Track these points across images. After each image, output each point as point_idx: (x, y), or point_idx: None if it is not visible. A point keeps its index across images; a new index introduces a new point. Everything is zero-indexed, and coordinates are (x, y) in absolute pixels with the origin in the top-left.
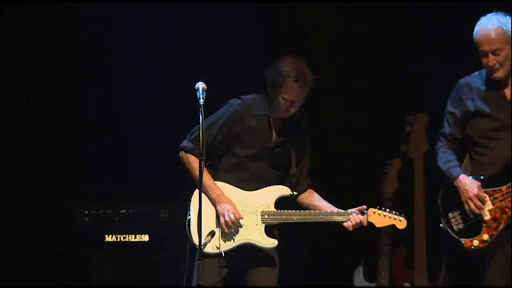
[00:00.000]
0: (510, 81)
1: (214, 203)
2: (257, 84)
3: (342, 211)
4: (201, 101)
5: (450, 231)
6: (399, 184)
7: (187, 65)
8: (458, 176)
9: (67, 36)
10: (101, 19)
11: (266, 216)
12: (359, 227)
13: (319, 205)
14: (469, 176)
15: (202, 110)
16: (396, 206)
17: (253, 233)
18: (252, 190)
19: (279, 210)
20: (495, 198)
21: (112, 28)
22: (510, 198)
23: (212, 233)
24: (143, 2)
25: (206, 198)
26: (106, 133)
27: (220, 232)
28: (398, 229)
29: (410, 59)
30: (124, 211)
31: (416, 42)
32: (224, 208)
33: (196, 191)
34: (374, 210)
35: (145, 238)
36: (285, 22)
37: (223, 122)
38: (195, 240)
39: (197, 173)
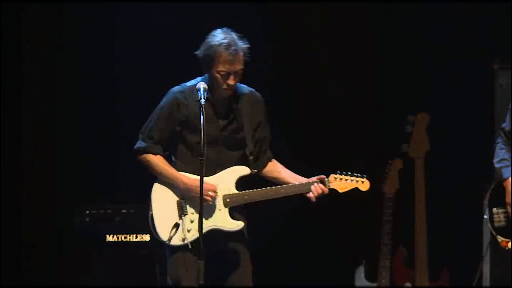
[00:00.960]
0: None
1: (182, 192)
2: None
3: (304, 182)
4: (202, 101)
5: (490, 225)
6: (399, 184)
7: (187, 65)
8: (507, 178)
9: (66, 37)
10: (101, 20)
11: (228, 200)
12: (321, 196)
13: (283, 177)
14: None
15: (203, 109)
16: (397, 206)
17: (218, 218)
18: (211, 175)
19: (241, 191)
20: None
21: (113, 32)
22: None
23: (176, 226)
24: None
25: (167, 192)
26: (106, 132)
27: (185, 223)
28: (361, 191)
29: (411, 59)
30: (125, 210)
31: (418, 41)
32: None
33: (155, 186)
34: (335, 176)
35: (146, 238)
36: (285, 20)
37: (166, 112)
38: (162, 235)
39: (159, 167)
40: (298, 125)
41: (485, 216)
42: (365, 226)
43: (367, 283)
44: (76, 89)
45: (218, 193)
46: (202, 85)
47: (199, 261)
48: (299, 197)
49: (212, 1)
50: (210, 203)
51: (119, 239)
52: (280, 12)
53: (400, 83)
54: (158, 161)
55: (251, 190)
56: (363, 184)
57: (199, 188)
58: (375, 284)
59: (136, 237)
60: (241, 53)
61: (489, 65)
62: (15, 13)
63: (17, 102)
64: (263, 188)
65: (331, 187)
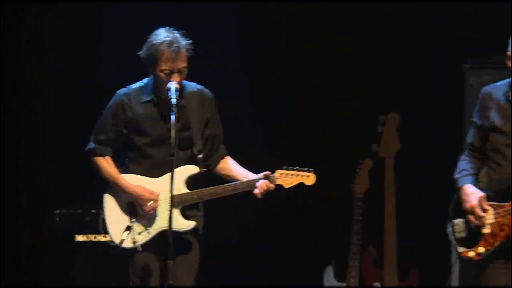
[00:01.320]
0: None
1: (125, 196)
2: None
3: (251, 178)
4: (173, 100)
5: (452, 237)
6: (369, 183)
7: None
8: (462, 185)
9: (55, 39)
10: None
11: (178, 200)
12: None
13: (234, 175)
14: (484, 188)
15: (175, 109)
16: (367, 206)
17: (168, 219)
18: (160, 176)
19: (190, 191)
20: (498, 214)
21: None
22: (510, 216)
23: (129, 228)
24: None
25: (118, 194)
26: (76, 132)
27: (136, 226)
28: (307, 186)
29: (382, 59)
30: (94, 210)
31: (389, 41)
32: (136, 195)
33: (108, 188)
34: (281, 171)
35: (109, 238)
36: (259, 19)
37: (111, 114)
38: (114, 238)
39: (105, 170)
40: (269, 124)
41: (448, 229)
42: (334, 225)
43: (336, 283)
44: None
45: (168, 194)
46: (173, 85)
47: (168, 261)
48: (270, 195)
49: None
50: (151, 212)
51: (89, 239)
52: (255, 10)
53: (370, 83)
54: (104, 163)
55: (200, 189)
56: (309, 178)
57: (139, 196)
58: (344, 284)
59: (106, 237)
60: (184, 51)
61: (460, 65)
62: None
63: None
64: (212, 187)
65: (277, 182)
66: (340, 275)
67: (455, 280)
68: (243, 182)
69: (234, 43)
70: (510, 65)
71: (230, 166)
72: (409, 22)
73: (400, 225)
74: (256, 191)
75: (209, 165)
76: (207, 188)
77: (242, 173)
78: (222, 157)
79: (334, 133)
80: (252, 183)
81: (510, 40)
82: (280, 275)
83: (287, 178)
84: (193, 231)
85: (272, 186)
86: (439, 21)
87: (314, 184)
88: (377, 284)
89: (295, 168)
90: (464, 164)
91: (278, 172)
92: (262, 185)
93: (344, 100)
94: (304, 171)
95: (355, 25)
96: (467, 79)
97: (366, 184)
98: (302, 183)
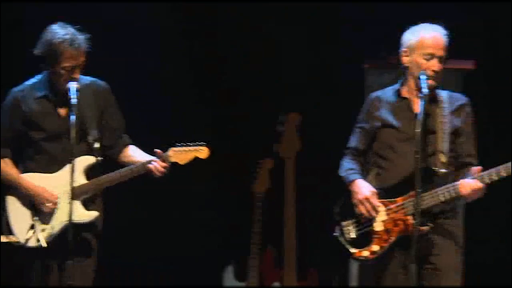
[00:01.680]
0: (417, 95)
1: (26, 196)
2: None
3: (145, 160)
4: (74, 101)
5: (342, 240)
6: (270, 183)
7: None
8: (355, 179)
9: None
10: None
11: (76, 192)
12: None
13: (136, 161)
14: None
15: (75, 110)
16: (267, 206)
17: (71, 212)
18: (57, 171)
19: (87, 181)
20: (390, 210)
21: None
22: (403, 211)
23: (32, 227)
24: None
25: (20, 193)
26: None
27: (39, 223)
28: (201, 159)
29: (283, 58)
30: None
31: (289, 41)
32: (37, 195)
33: (9, 191)
34: (175, 149)
35: (14, 238)
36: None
37: (7, 112)
38: (19, 237)
39: (6, 174)
40: (171, 123)
41: (335, 234)
42: (234, 225)
43: (235, 283)
44: None
45: (67, 188)
46: (73, 85)
47: (67, 262)
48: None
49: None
50: (53, 207)
51: None
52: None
53: (271, 83)
54: (3, 166)
55: (97, 178)
56: (203, 152)
57: (39, 196)
58: (243, 284)
59: (9, 238)
60: (83, 46)
61: (359, 65)
62: None
63: None
64: (107, 174)
65: (171, 160)
66: (239, 275)
67: (353, 279)
68: (137, 164)
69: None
70: (403, 62)
71: (133, 153)
72: (309, 22)
73: (300, 225)
74: (152, 172)
75: (113, 154)
76: (104, 175)
77: (143, 158)
78: (125, 146)
79: (235, 133)
80: (146, 164)
81: (402, 39)
82: (180, 276)
83: (181, 154)
84: (93, 229)
85: (166, 164)
86: (340, 21)
87: (217, 184)
88: (276, 283)
89: (188, 143)
90: (350, 164)
91: (171, 150)
92: (155, 165)
93: (244, 99)
94: (196, 145)
95: (256, 24)
96: (367, 78)
97: (267, 184)
98: (196, 157)
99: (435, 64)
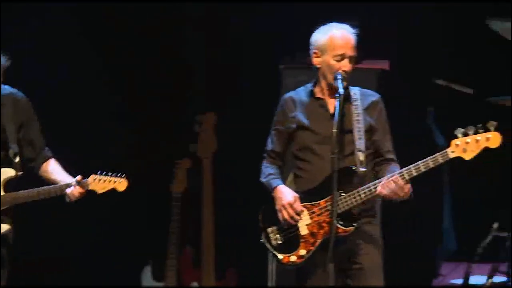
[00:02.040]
0: (331, 94)
1: None
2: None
3: (64, 184)
4: None
5: (268, 246)
6: (188, 183)
7: None
8: (276, 186)
9: None
10: None
11: None
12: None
13: (54, 178)
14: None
15: None
16: (185, 206)
17: None
18: None
19: (6, 194)
20: (313, 213)
21: None
22: (327, 213)
23: None
24: None
25: None
26: None
27: None
28: (119, 191)
29: (197, 59)
30: None
31: (205, 41)
32: None
33: None
34: (94, 177)
35: None
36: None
37: None
38: None
39: None
40: (88, 123)
41: (261, 240)
42: (152, 225)
43: (154, 283)
44: None
45: None
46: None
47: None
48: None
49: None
50: None
51: None
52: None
53: (188, 83)
54: None
55: (15, 192)
56: (121, 184)
57: None
58: (162, 284)
59: None
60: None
61: (275, 65)
62: None
63: None
64: (26, 190)
65: (90, 188)
66: (158, 275)
67: (272, 279)
68: (56, 186)
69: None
70: (314, 63)
71: (51, 169)
72: (224, 24)
73: (218, 225)
74: (67, 196)
75: (33, 167)
76: (22, 191)
77: (60, 177)
78: (46, 160)
79: (152, 133)
80: (64, 187)
81: (311, 39)
82: (99, 276)
83: (100, 183)
84: (3, 241)
85: (83, 191)
86: (256, 22)
87: (134, 184)
88: (195, 283)
89: (108, 173)
90: (269, 169)
91: (91, 178)
92: (72, 191)
93: (161, 99)
94: (116, 176)
95: (174, 24)
96: (283, 79)
97: (184, 184)
98: (114, 188)
99: (346, 65)
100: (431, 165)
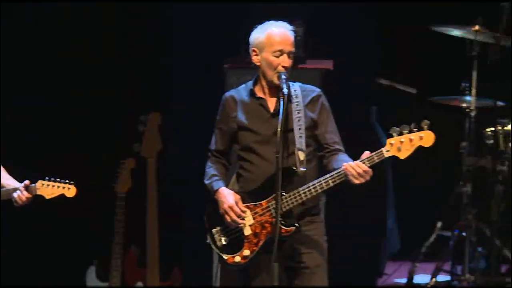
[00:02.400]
0: (272, 93)
1: None
2: None
3: (11, 188)
4: None
5: (214, 247)
6: (132, 183)
7: None
8: (218, 189)
9: None
10: None
11: None
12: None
13: (5, 184)
14: (236, 191)
15: None
16: (129, 205)
17: None
18: None
19: None
20: (256, 213)
21: None
22: (269, 213)
23: None
24: None
25: None
26: None
27: None
28: (68, 198)
29: (144, 58)
30: None
31: (150, 42)
32: None
33: None
34: (43, 182)
35: None
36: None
37: None
38: None
39: None
40: (30, 124)
41: (207, 241)
42: (97, 225)
43: (98, 283)
44: None
45: None
46: None
47: None
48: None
49: None
50: None
51: None
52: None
53: (132, 83)
54: None
55: None
56: (69, 191)
57: None
58: (106, 284)
59: None
60: None
61: (220, 65)
62: None
63: None
64: None
65: (37, 193)
66: (102, 275)
67: (217, 279)
68: (3, 190)
69: None
70: (254, 61)
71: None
72: (162, 23)
73: (163, 224)
74: (14, 200)
75: None
76: None
77: (8, 182)
78: None
79: (96, 133)
80: (12, 191)
81: (250, 38)
82: (43, 276)
83: (48, 189)
84: None
85: (30, 196)
86: (200, 22)
87: (79, 184)
88: (139, 283)
89: (56, 179)
90: (212, 170)
91: (40, 183)
92: (20, 195)
93: (105, 99)
94: (65, 183)
95: (111, 24)
96: (228, 78)
97: (129, 183)
98: (63, 194)
99: (285, 60)
100: (368, 164)
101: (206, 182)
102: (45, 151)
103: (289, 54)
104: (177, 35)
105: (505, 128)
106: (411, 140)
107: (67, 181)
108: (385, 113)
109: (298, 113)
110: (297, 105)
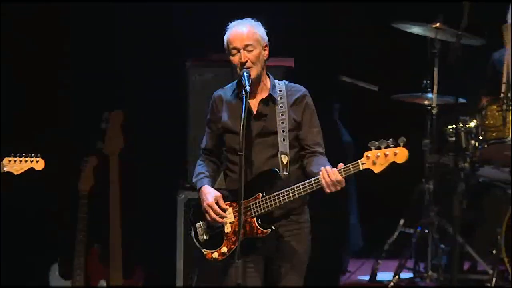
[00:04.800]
0: (256, 94)
1: None
2: None
3: None
4: None
5: (195, 241)
6: (95, 180)
7: None
8: (201, 187)
9: None
10: None
11: None
12: None
13: None
14: (222, 188)
15: None
16: (92, 203)
17: None
18: None
19: None
20: (237, 211)
21: None
22: (249, 213)
23: None
24: None
25: None
26: None
27: None
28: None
29: (106, 56)
30: None
31: (113, 38)
32: None
33: None
34: (9, 158)
35: None
36: None
37: None
38: None
39: None
40: None
41: (191, 234)
42: (59, 223)
43: (61, 282)
44: None
45: None
46: None
47: None
48: None
49: None
50: None
51: None
52: None
53: (94, 80)
54: None
55: None
56: (38, 164)
57: None
58: (69, 282)
59: None
60: None
61: (182, 63)
62: None
63: None
64: None
65: (5, 170)
66: (65, 273)
67: (179, 277)
68: None
69: None
70: (234, 62)
71: None
72: (133, 20)
73: (126, 223)
74: None
75: None
76: None
77: None
78: None
79: (58, 130)
80: None
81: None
82: (5, 275)
83: (16, 164)
84: None
85: None
86: (162, 20)
87: (39, 182)
88: (102, 281)
89: (23, 154)
90: (200, 168)
91: (6, 160)
92: None
93: (68, 96)
94: (32, 156)
95: (80, 21)
96: (190, 76)
97: (92, 181)
98: (32, 168)
99: (243, 56)
100: (343, 174)
101: (194, 180)
102: (6, 149)
103: (245, 48)
104: (138, 33)
105: (467, 125)
106: (386, 155)
107: (33, 154)
108: (347, 110)
109: (282, 115)
110: (281, 107)
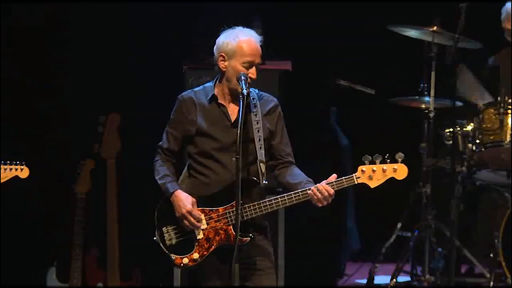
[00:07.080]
0: (233, 99)
1: None
2: None
3: None
4: None
5: (162, 245)
6: (92, 184)
7: None
8: (174, 191)
9: None
10: None
11: None
12: None
13: None
14: (187, 192)
15: None
16: (90, 206)
17: None
18: None
19: None
20: (211, 218)
21: None
22: (225, 220)
23: None
24: None
25: None
26: None
27: None
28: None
29: (103, 59)
30: None
31: (111, 41)
32: None
33: None
34: None
35: None
36: None
37: None
38: None
39: None
40: None
41: (155, 238)
42: (57, 226)
43: (59, 284)
44: None
45: None
46: None
47: None
48: None
49: None
50: None
51: None
52: None
53: (91, 83)
54: None
55: None
56: (23, 172)
57: None
58: (67, 285)
59: None
60: None
61: (179, 66)
62: None
63: None
64: None
65: None
66: (63, 276)
67: (177, 279)
68: None
69: None
70: (220, 66)
71: None
72: (132, 23)
73: (123, 225)
74: None
75: None
76: None
77: None
78: None
79: (55, 133)
80: None
81: (218, 42)
82: (3, 277)
83: (1, 172)
84: None
85: None
86: (159, 23)
87: (36, 185)
88: (100, 284)
89: (7, 162)
90: (164, 169)
91: None
92: None
93: (65, 100)
94: (17, 164)
95: (81, 25)
96: (187, 79)
97: (89, 184)
98: (17, 176)
99: (253, 72)
100: (336, 188)
101: (160, 181)
102: (3, 152)
103: (257, 65)
104: (135, 36)
105: (464, 129)
106: (384, 170)
107: (18, 162)
108: (344, 114)
109: (257, 123)
110: (255, 115)
